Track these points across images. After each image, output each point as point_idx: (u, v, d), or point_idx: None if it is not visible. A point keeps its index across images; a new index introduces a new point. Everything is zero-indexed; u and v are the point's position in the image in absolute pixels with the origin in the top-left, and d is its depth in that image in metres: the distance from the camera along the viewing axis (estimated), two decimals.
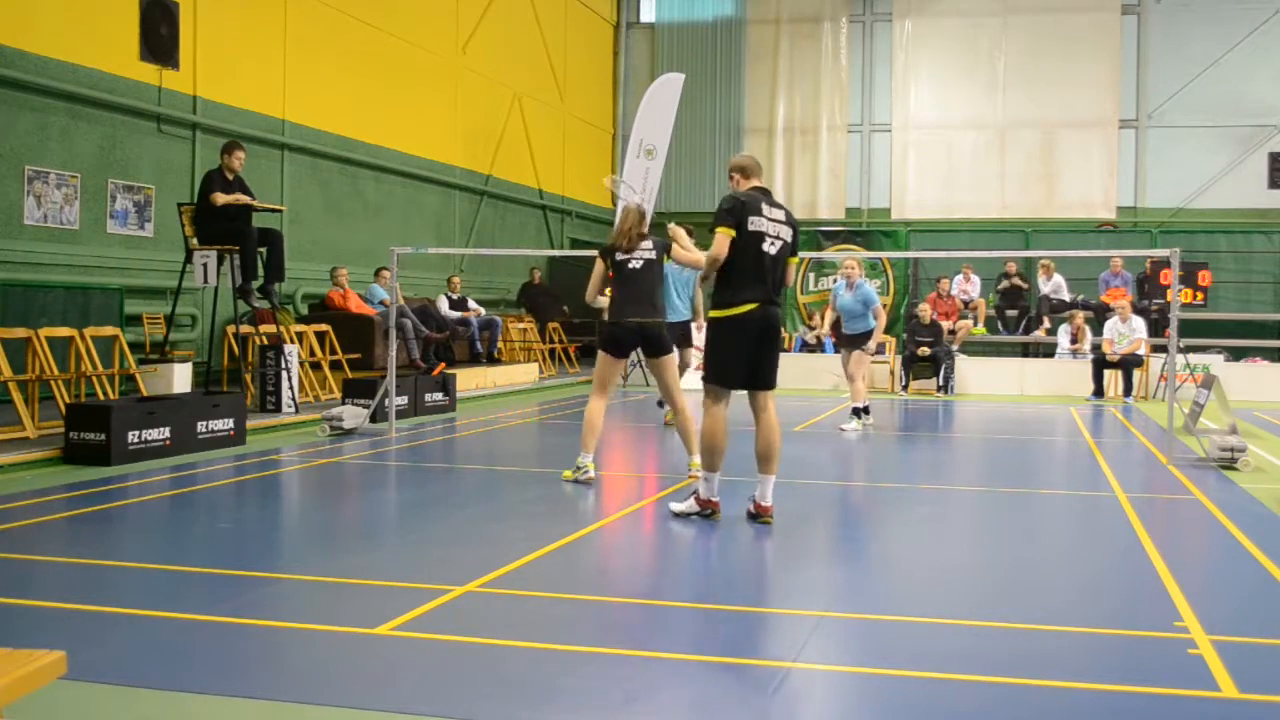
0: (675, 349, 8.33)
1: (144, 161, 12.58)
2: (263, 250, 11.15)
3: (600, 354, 7.93)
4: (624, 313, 7.78)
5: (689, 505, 6.55)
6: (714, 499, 6.52)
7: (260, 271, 11.11)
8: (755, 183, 6.44)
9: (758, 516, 6.44)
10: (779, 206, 6.41)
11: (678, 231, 7.17)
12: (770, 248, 6.26)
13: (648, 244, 7.90)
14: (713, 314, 6.32)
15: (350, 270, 14.84)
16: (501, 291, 20.41)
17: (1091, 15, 23.02)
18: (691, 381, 16.58)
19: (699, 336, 12.74)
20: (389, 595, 4.81)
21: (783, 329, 7.97)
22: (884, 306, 13.48)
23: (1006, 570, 5.67)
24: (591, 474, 7.76)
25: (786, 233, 6.37)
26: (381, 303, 14.18)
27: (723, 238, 6.19)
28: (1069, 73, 23.02)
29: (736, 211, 6.22)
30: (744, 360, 6.32)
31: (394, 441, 10.04)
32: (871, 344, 11.66)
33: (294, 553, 5.97)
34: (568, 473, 7.86)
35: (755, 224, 6.24)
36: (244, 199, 10.75)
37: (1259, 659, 4.05)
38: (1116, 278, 18.84)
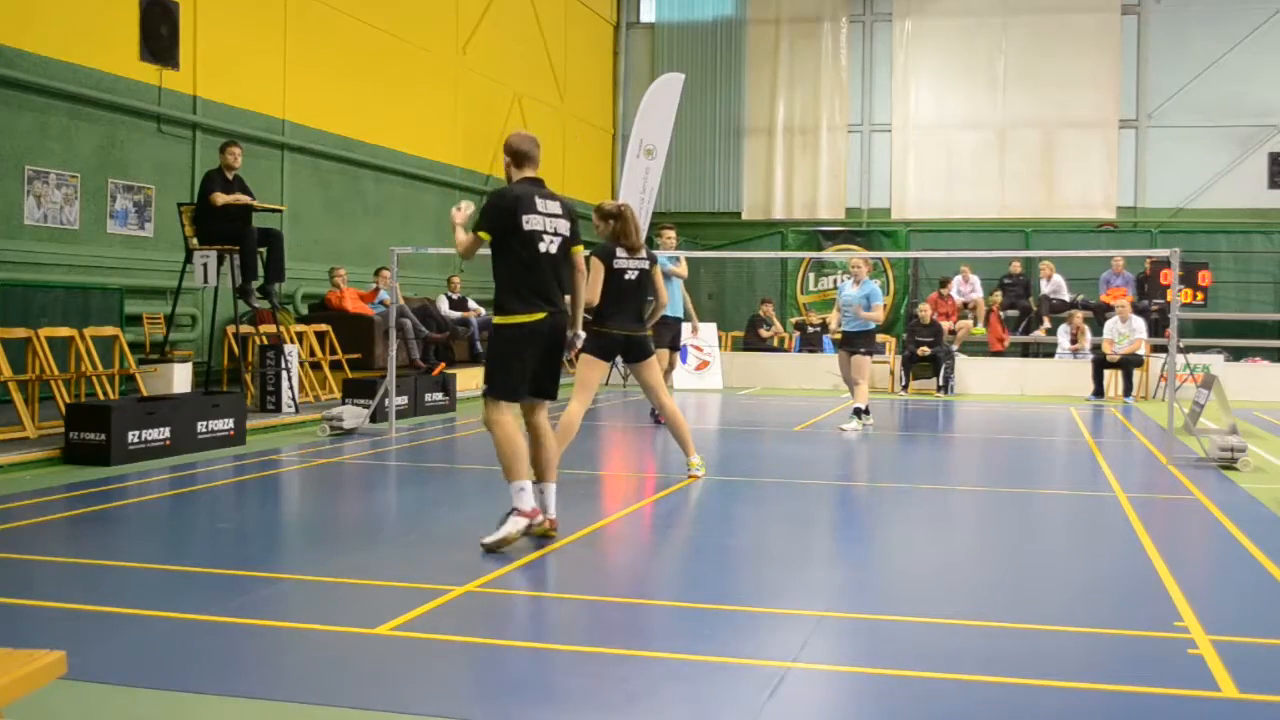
0: (654, 349, 8.23)
1: (144, 161, 12.57)
2: (262, 250, 11.15)
3: (586, 356, 7.75)
4: (612, 323, 7.68)
5: (515, 529, 5.57)
6: (535, 507, 5.71)
7: (260, 271, 11.11)
8: (528, 172, 5.94)
9: (544, 532, 5.80)
10: (554, 198, 5.95)
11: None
12: (550, 246, 5.79)
13: (642, 251, 7.86)
14: (496, 320, 5.78)
15: (350, 270, 14.84)
16: None
17: (1091, 15, 23.00)
18: (685, 382, 16.67)
19: (688, 337, 12.77)
20: (389, 595, 4.81)
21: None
22: (885, 306, 13.47)
23: (1006, 570, 5.67)
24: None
25: (564, 226, 5.91)
26: (381, 302, 14.19)
27: (472, 240, 5.76)
28: (1069, 73, 23.01)
29: (495, 212, 5.75)
30: (530, 373, 5.81)
31: (394, 441, 10.04)
32: (878, 313, 11.58)
33: (294, 553, 5.97)
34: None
35: (531, 222, 5.75)
36: (244, 199, 10.76)
37: (1259, 659, 4.05)
38: (1119, 277, 18.85)
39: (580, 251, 6.08)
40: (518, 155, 5.97)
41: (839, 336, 11.98)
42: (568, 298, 6.09)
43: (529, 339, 5.75)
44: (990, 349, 18.36)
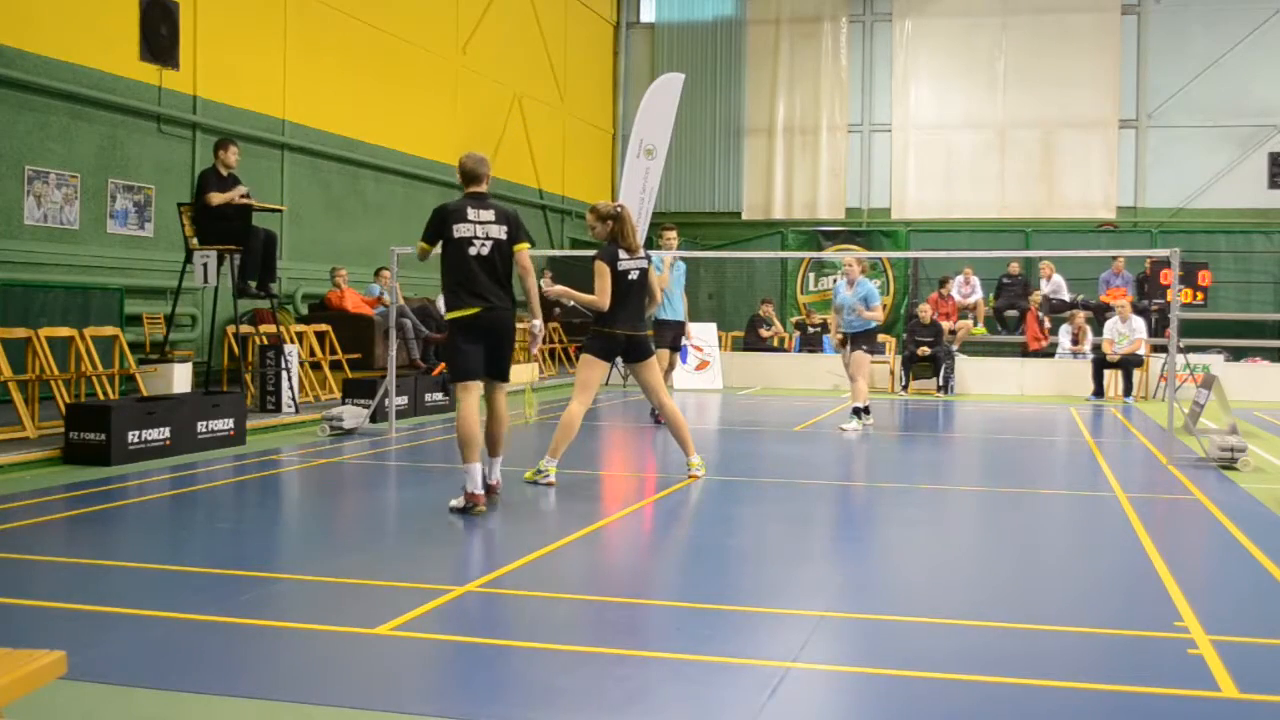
0: (654, 349, 8.22)
1: (144, 161, 12.58)
2: None
3: (586, 356, 7.78)
4: (614, 324, 7.68)
5: (459, 501, 6.63)
6: (476, 492, 6.58)
7: (256, 272, 11.07)
8: (474, 188, 6.84)
9: (488, 491, 6.74)
10: (489, 207, 6.78)
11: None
12: (481, 249, 6.68)
13: (641, 252, 7.86)
14: (448, 315, 6.80)
15: (350, 270, 14.84)
16: None
17: (1091, 15, 23.02)
18: (685, 382, 16.65)
19: (687, 339, 12.74)
20: (389, 595, 4.80)
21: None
22: (884, 306, 13.36)
23: (1006, 570, 5.67)
24: (553, 479, 7.54)
25: (498, 230, 6.73)
26: (381, 302, 14.19)
27: (419, 248, 6.99)
28: (1069, 73, 23.02)
29: (435, 223, 6.79)
30: (479, 358, 6.75)
31: (394, 441, 10.04)
32: (879, 313, 11.55)
33: (294, 553, 5.97)
34: (529, 474, 7.70)
35: (461, 230, 6.67)
36: (240, 191, 10.59)
37: (1259, 659, 4.05)
38: (1118, 277, 18.85)
39: (523, 249, 6.88)
40: (464, 175, 6.90)
41: (840, 338, 11.91)
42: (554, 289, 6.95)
43: (465, 330, 6.69)
44: (1028, 348, 18.24)
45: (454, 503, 6.67)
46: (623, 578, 5.49)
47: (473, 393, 6.76)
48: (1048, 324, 18.77)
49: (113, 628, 4.28)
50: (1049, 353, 18.34)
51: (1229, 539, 6.24)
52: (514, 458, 8.49)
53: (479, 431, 6.68)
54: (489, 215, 6.76)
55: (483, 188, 6.88)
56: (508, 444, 7.03)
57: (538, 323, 7.07)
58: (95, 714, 3.44)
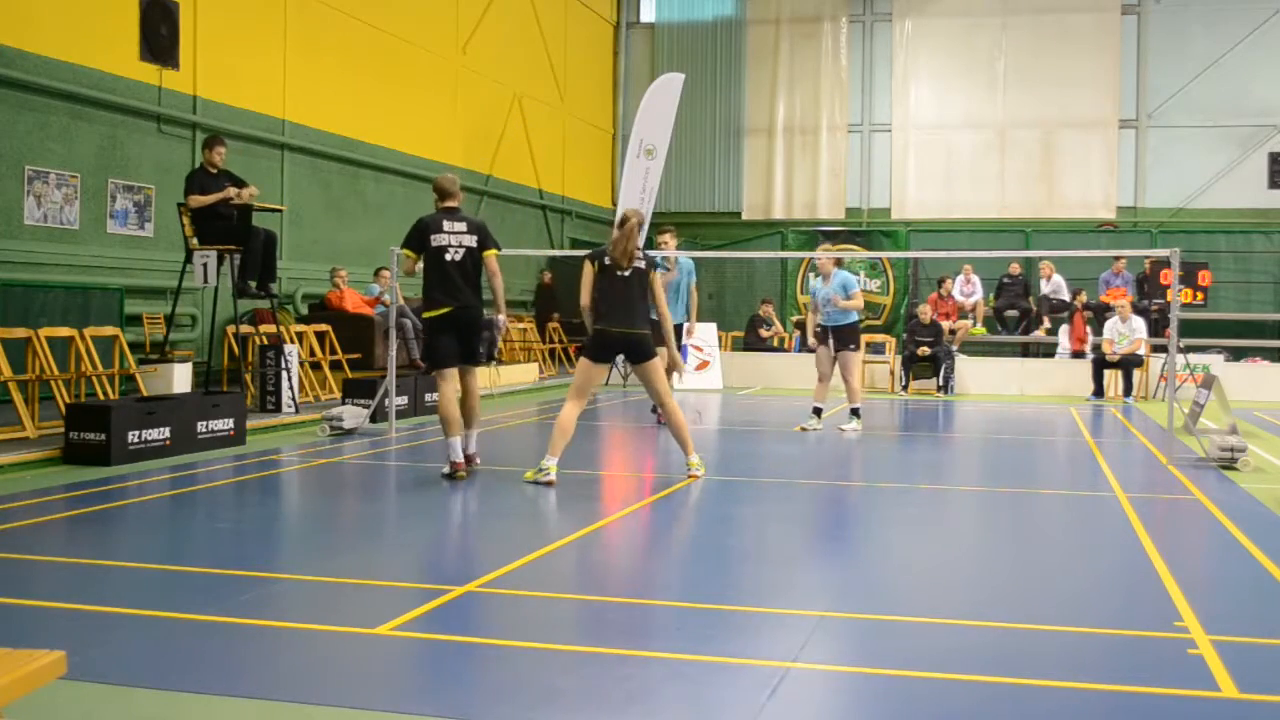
0: (656, 350, 8.23)
1: (144, 161, 12.57)
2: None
3: (582, 360, 7.86)
4: (609, 322, 7.74)
5: (447, 468, 7.87)
6: (458, 461, 7.81)
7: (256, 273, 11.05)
8: (447, 204, 7.91)
9: (466, 460, 7.89)
10: (461, 219, 7.85)
11: None
12: (455, 255, 7.76)
13: (639, 255, 7.91)
14: (425, 315, 7.90)
15: (350, 270, 14.84)
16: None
17: (1091, 15, 23.02)
18: (687, 382, 16.64)
19: (686, 338, 12.67)
20: (389, 595, 4.81)
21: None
22: (884, 307, 13.26)
23: (1006, 570, 5.67)
24: (553, 477, 7.57)
25: (469, 239, 7.82)
26: (381, 302, 14.18)
27: (404, 258, 7.93)
28: (1069, 73, 23.02)
29: (415, 234, 7.83)
30: (451, 348, 7.81)
31: (394, 441, 10.04)
32: (858, 300, 11.45)
33: (294, 553, 5.97)
34: (529, 473, 7.73)
35: (437, 240, 7.74)
36: (228, 192, 10.51)
37: (1259, 659, 4.05)
38: (1118, 277, 18.84)
39: (491, 255, 7.93)
40: (439, 192, 8.00)
41: (817, 334, 11.57)
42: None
43: (439, 325, 7.81)
44: (1071, 349, 18.10)
45: (444, 470, 7.86)
46: (623, 578, 5.49)
47: (449, 380, 7.84)
48: (1047, 324, 18.76)
49: (113, 628, 4.28)
50: (1049, 352, 18.34)
51: (1229, 539, 6.24)
52: (514, 458, 8.51)
53: (457, 412, 7.84)
54: (461, 226, 7.81)
55: (455, 203, 7.91)
56: (480, 420, 8.17)
57: (501, 318, 8.11)
58: (95, 714, 3.44)
